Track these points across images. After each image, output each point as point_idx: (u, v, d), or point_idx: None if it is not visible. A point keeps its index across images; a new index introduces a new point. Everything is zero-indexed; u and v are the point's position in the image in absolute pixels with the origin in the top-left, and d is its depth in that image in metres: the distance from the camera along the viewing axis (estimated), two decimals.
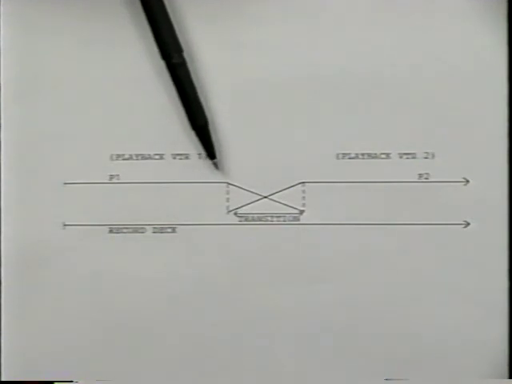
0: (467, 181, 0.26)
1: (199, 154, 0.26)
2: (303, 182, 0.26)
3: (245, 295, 0.26)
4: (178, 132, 0.26)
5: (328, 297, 0.26)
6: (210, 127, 0.26)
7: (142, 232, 0.26)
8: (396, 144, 0.26)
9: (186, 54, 0.26)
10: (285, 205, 0.26)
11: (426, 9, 0.26)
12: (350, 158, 0.26)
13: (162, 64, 0.26)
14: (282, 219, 0.26)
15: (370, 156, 0.26)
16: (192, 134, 0.26)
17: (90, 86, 0.26)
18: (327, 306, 0.26)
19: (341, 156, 0.26)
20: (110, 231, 0.26)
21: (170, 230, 0.26)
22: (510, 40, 0.26)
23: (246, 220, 0.26)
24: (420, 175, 0.26)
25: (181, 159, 0.26)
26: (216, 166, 0.26)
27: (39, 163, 0.26)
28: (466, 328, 0.26)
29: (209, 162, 0.26)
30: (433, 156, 0.26)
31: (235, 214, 0.26)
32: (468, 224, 0.26)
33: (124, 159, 0.26)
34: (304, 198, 0.26)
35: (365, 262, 0.26)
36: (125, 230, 0.26)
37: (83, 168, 0.26)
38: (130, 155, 0.26)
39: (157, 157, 0.26)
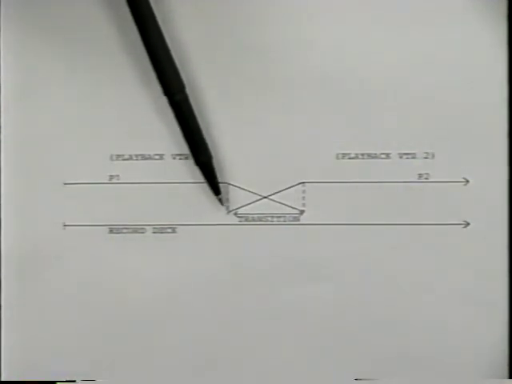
0: (467, 181, 0.26)
1: None
2: (303, 182, 0.26)
3: (245, 295, 0.26)
4: (177, 132, 0.26)
5: (328, 296, 0.26)
6: (214, 161, 0.26)
7: (142, 232, 0.26)
8: (396, 144, 0.26)
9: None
10: (285, 205, 0.26)
11: (426, 9, 0.26)
12: (349, 158, 0.26)
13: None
14: (282, 219, 0.26)
15: (370, 156, 0.26)
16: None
17: (89, 87, 0.26)
18: (327, 306, 0.26)
19: (341, 156, 0.26)
20: (110, 231, 0.26)
21: (169, 230, 0.26)
22: (510, 40, 0.26)
23: (246, 220, 0.26)
24: (420, 175, 0.26)
25: (181, 159, 0.26)
26: (221, 201, 0.26)
27: (39, 163, 0.26)
28: (466, 328, 0.26)
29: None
30: (433, 156, 0.26)
31: (235, 214, 0.26)
32: (468, 224, 0.26)
33: (124, 159, 0.26)
34: (304, 198, 0.26)
35: (365, 262, 0.26)
36: (125, 230, 0.26)
37: (83, 168, 0.26)
38: (130, 155, 0.26)
39: (157, 157, 0.26)
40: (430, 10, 0.26)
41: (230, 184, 0.26)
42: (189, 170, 0.26)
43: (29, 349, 0.26)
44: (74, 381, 0.26)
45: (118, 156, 0.26)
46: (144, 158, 0.26)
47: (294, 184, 0.26)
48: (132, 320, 0.26)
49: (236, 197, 0.26)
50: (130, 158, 0.26)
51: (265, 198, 0.26)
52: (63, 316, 0.26)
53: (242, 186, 0.26)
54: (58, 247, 0.26)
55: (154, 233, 0.26)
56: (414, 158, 0.26)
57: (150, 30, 0.25)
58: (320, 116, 0.26)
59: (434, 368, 0.26)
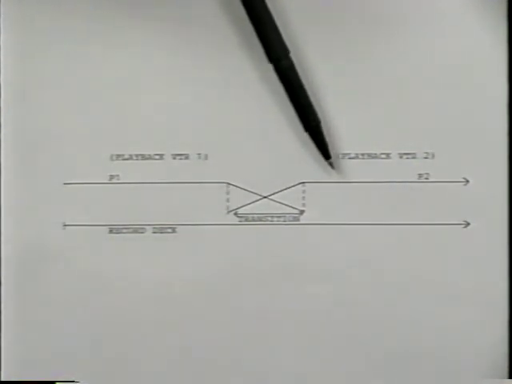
0: (467, 181, 0.26)
1: (199, 154, 0.26)
2: (303, 182, 0.26)
3: (245, 295, 0.26)
4: (178, 132, 0.26)
5: (328, 297, 0.26)
6: (323, 126, 0.26)
7: (142, 232, 0.26)
8: (396, 144, 0.26)
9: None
10: (285, 205, 0.26)
11: (425, 9, 0.26)
12: (349, 158, 0.26)
13: (161, 62, 0.26)
14: (282, 219, 0.26)
15: (370, 156, 0.26)
16: (191, 133, 0.26)
17: (90, 86, 0.26)
18: (327, 306, 0.26)
19: (341, 156, 0.26)
20: (110, 231, 0.26)
21: (170, 230, 0.26)
22: (510, 40, 0.26)
23: (246, 220, 0.26)
24: (420, 175, 0.26)
25: (181, 159, 0.26)
26: (332, 165, 0.26)
27: (39, 163, 0.26)
28: (466, 328, 0.26)
29: (209, 162, 0.26)
30: (433, 156, 0.26)
31: (235, 214, 0.26)
32: (468, 224, 0.26)
33: (124, 159, 0.26)
34: (304, 198, 0.26)
35: (365, 262, 0.26)
36: (125, 230, 0.26)
37: (83, 168, 0.26)
38: (130, 155, 0.26)
39: (157, 157, 0.26)
40: (429, 10, 0.26)
41: (230, 184, 0.26)
42: (189, 170, 0.26)
43: (29, 349, 0.26)
44: (73, 381, 0.26)
45: (118, 156, 0.26)
46: (144, 158, 0.26)
47: (294, 184, 0.26)
48: (132, 320, 0.26)
49: (236, 197, 0.26)
50: (130, 158, 0.26)
51: (265, 197, 0.26)
52: (63, 316, 0.26)
53: (242, 186, 0.26)
54: (58, 247, 0.26)
55: (154, 233, 0.26)
56: (414, 158, 0.26)
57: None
58: (320, 116, 0.26)
59: (433, 368, 0.26)
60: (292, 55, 0.25)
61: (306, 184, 0.26)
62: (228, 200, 0.26)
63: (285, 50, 0.25)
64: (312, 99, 0.25)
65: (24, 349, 0.26)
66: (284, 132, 0.26)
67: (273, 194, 0.26)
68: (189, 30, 0.26)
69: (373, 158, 0.26)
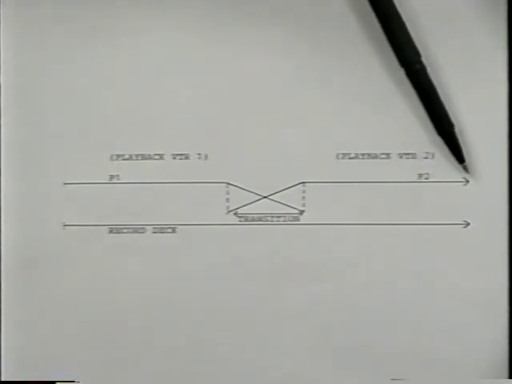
0: (467, 181, 0.26)
1: (199, 154, 0.26)
2: (303, 182, 0.26)
3: (245, 295, 0.26)
4: (178, 132, 0.26)
5: (328, 297, 0.26)
6: (456, 130, 0.25)
7: (142, 232, 0.26)
8: (396, 144, 0.26)
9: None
10: (285, 205, 0.26)
11: (425, 9, 0.26)
12: (349, 158, 0.26)
13: (163, 61, 0.26)
14: (282, 219, 0.26)
15: (370, 156, 0.26)
16: (191, 133, 0.26)
17: (89, 86, 0.26)
18: (327, 306, 0.26)
19: (341, 156, 0.26)
20: (110, 231, 0.26)
21: (170, 230, 0.26)
22: (510, 40, 0.26)
23: (246, 220, 0.26)
24: (420, 175, 0.26)
25: (181, 159, 0.26)
26: (466, 169, 0.26)
27: (39, 163, 0.26)
28: (466, 328, 0.26)
29: (209, 162, 0.26)
30: (433, 156, 0.26)
31: (235, 214, 0.26)
32: (468, 224, 0.26)
33: (124, 159, 0.26)
34: (304, 198, 0.26)
35: (365, 262, 0.26)
36: (125, 230, 0.26)
37: (83, 168, 0.26)
38: (130, 155, 0.26)
39: (157, 157, 0.26)
40: (429, 11, 0.26)
41: (230, 184, 0.26)
42: (189, 170, 0.26)
43: (29, 349, 0.26)
44: (73, 381, 0.26)
45: (118, 156, 0.26)
46: (144, 158, 0.26)
47: (294, 184, 0.26)
48: (132, 320, 0.26)
49: (236, 197, 0.26)
50: (130, 158, 0.26)
51: (265, 197, 0.26)
52: (63, 316, 0.26)
53: (241, 186, 0.26)
54: (58, 247, 0.26)
55: (154, 233, 0.26)
56: (414, 158, 0.26)
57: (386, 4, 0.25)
58: (320, 116, 0.26)
59: (433, 368, 0.26)
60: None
61: (306, 184, 0.26)
62: (228, 200, 0.26)
63: (416, 54, 0.25)
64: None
65: (24, 349, 0.26)
66: (284, 132, 0.26)
67: (273, 194, 0.26)
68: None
69: (373, 158, 0.26)
